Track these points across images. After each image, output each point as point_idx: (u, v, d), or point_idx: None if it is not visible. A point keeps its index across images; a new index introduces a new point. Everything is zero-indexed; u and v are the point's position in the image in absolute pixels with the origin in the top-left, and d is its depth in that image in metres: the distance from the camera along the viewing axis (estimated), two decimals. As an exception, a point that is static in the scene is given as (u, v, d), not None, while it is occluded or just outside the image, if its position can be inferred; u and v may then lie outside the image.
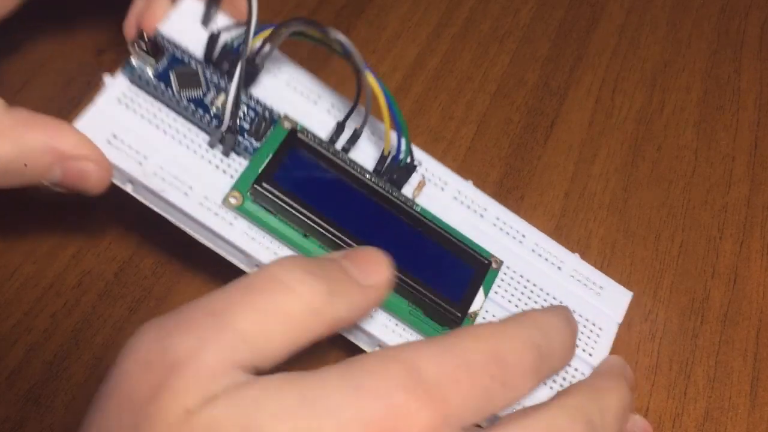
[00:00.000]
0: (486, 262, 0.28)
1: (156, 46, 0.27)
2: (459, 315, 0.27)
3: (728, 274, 0.34)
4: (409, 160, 0.29)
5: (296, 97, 0.30)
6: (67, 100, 0.42)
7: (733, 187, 0.37)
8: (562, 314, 0.23)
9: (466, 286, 0.28)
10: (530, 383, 0.20)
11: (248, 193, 0.27)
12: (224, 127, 0.26)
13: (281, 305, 0.18)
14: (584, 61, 0.43)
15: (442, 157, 0.38)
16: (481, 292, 0.28)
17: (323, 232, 0.27)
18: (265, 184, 0.27)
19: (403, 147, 0.28)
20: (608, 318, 0.29)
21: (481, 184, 0.37)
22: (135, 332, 0.17)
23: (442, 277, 0.28)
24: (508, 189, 0.37)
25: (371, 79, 0.27)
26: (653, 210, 0.36)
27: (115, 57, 0.44)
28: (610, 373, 0.26)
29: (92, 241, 0.35)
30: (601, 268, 0.34)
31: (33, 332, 0.32)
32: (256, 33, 0.27)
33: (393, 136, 0.28)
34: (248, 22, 0.27)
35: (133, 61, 0.27)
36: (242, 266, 0.27)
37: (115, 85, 0.27)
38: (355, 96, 0.28)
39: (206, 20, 0.29)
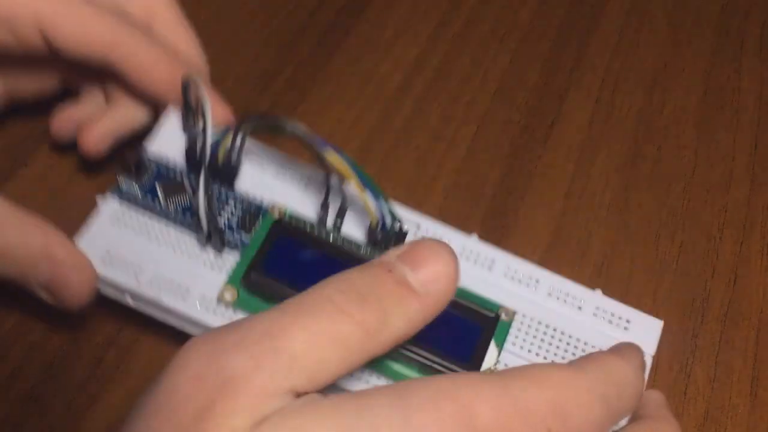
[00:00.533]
0: (492, 315, 0.28)
1: (142, 165, 0.29)
2: None
3: (728, 274, 0.34)
4: (397, 226, 0.29)
5: (285, 185, 0.30)
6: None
7: (733, 187, 0.37)
8: (636, 360, 0.21)
9: (474, 343, 0.27)
10: None
11: (241, 286, 0.27)
12: (205, 230, 0.28)
13: (336, 330, 0.17)
14: (584, 61, 0.43)
15: (442, 157, 0.38)
16: (493, 347, 0.28)
17: None
18: (255, 275, 0.27)
19: (386, 212, 0.28)
20: None
21: (481, 184, 0.37)
22: (188, 345, 0.17)
23: (447, 339, 0.27)
24: (508, 189, 0.37)
25: (333, 157, 0.27)
26: (653, 210, 0.36)
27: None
28: (659, 413, 0.24)
29: (92, 241, 0.35)
30: (601, 268, 0.34)
31: (33, 332, 0.32)
32: (223, 136, 0.29)
33: (373, 204, 0.28)
34: (204, 131, 0.28)
35: (122, 183, 0.29)
36: None
37: (107, 206, 0.29)
38: (325, 175, 0.29)
39: (186, 128, 0.31)
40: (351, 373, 0.18)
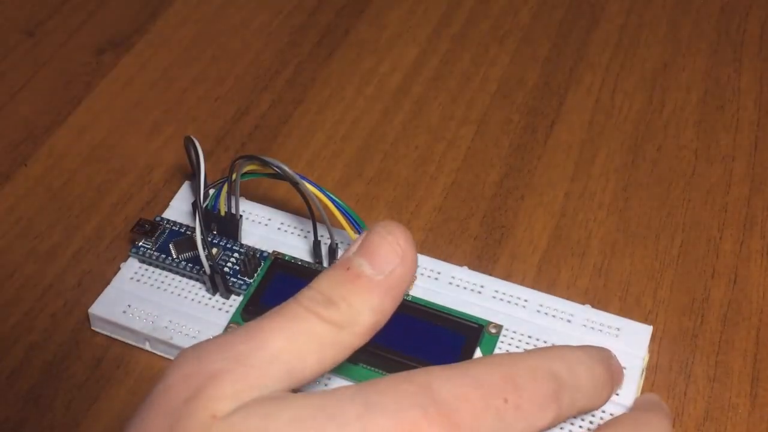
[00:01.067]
0: (476, 326, 0.30)
1: (156, 227, 0.33)
2: None
3: (728, 274, 0.34)
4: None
5: (287, 237, 0.34)
6: (68, 100, 0.42)
7: (733, 187, 0.37)
8: (595, 352, 0.23)
9: (458, 353, 0.29)
10: (549, 413, 0.19)
11: (241, 319, 0.30)
12: (208, 272, 0.30)
13: (309, 329, 0.19)
14: (584, 61, 0.43)
15: (442, 157, 0.38)
16: (478, 355, 0.29)
17: None
18: (253, 307, 0.30)
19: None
20: (631, 356, 0.29)
21: (481, 184, 0.37)
22: (177, 355, 0.19)
23: (434, 350, 0.29)
24: (508, 189, 0.37)
25: (310, 187, 0.29)
26: (653, 210, 0.36)
27: (115, 58, 0.44)
28: (650, 407, 0.26)
29: (93, 241, 0.35)
30: (601, 268, 0.34)
31: (33, 332, 0.32)
32: (220, 188, 0.32)
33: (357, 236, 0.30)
34: (197, 183, 0.32)
35: (140, 246, 0.33)
36: None
37: (127, 268, 0.33)
38: (308, 211, 0.31)
39: (194, 190, 0.35)
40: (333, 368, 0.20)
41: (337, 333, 0.19)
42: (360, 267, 0.20)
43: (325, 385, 0.29)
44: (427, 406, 0.18)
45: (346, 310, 0.19)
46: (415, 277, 0.32)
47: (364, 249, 0.20)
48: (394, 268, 0.20)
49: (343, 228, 0.30)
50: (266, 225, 0.34)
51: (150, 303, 0.31)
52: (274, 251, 0.32)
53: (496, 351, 0.30)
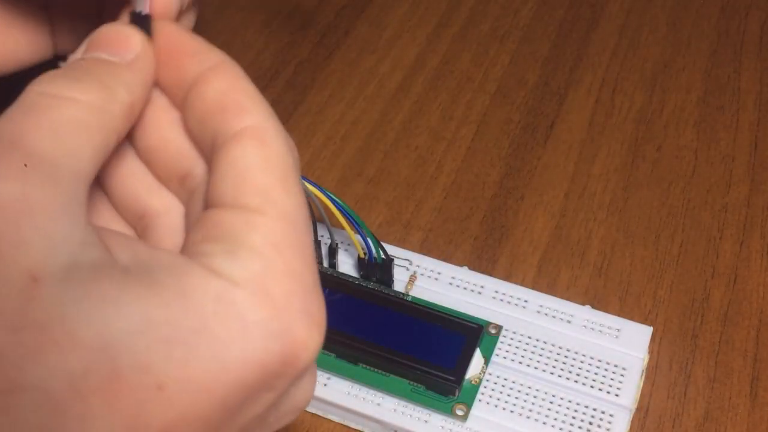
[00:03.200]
0: (475, 327, 0.30)
1: None
2: (453, 379, 0.28)
3: (728, 274, 0.34)
4: (382, 255, 0.31)
5: None
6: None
7: (733, 187, 0.37)
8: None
9: (458, 352, 0.29)
10: None
11: None
12: None
13: (67, 116, 0.17)
14: (584, 61, 0.43)
15: (442, 157, 0.38)
16: (478, 357, 0.29)
17: None
18: None
19: (371, 244, 0.30)
20: (631, 357, 0.29)
21: (481, 184, 0.37)
22: None
23: (434, 350, 0.29)
24: (508, 189, 0.37)
25: (310, 187, 0.29)
26: (653, 210, 0.36)
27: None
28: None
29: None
30: (601, 268, 0.34)
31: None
32: None
33: (359, 238, 0.30)
34: None
35: None
36: None
37: None
38: (309, 212, 0.30)
39: None
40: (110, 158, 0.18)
41: (99, 116, 0.18)
42: (99, 57, 0.19)
43: (325, 385, 0.29)
44: None
45: (103, 90, 0.18)
46: (416, 277, 0.32)
47: (96, 45, 0.19)
48: (139, 57, 0.19)
49: (343, 228, 0.30)
50: None
51: None
52: None
53: (496, 351, 0.30)
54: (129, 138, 0.20)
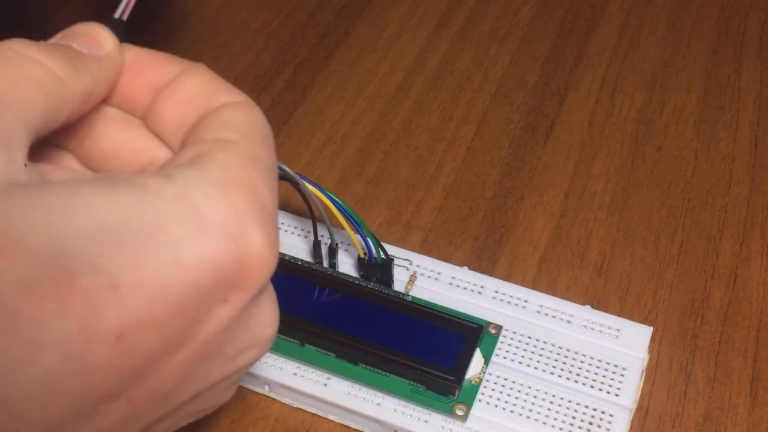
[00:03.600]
0: (476, 327, 0.30)
1: None
2: (453, 379, 0.28)
3: (728, 274, 0.34)
4: (382, 255, 0.31)
5: (287, 236, 0.34)
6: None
7: (733, 187, 0.37)
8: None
9: (458, 352, 0.29)
10: None
11: None
12: None
13: (27, 71, 0.18)
14: (584, 61, 0.43)
15: (442, 157, 0.38)
16: (478, 358, 0.29)
17: (314, 337, 0.29)
18: None
19: (371, 244, 0.30)
20: (631, 357, 0.29)
21: (481, 184, 0.37)
22: None
23: (434, 350, 0.29)
24: (508, 189, 0.37)
25: (311, 187, 0.29)
26: (653, 210, 0.36)
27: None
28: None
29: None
30: (601, 268, 0.34)
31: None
32: None
33: (359, 238, 0.30)
34: None
35: None
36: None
37: None
38: (308, 211, 0.31)
39: None
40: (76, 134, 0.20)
41: (60, 85, 0.18)
42: (72, 45, 0.20)
43: (325, 385, 0.29)
44: None
45: (69, 67, 0.19)
46: (416, 277, 0.32)
47: (71, 38, 0.20)
48: (103, 53, 0.20)
49: (343, 228, 0.30)
50: None
51: None
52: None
53: (496, 351, 0.30)
54: (82, 149, 0.21)
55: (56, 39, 0.20)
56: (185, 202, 0.17)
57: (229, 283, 0.17)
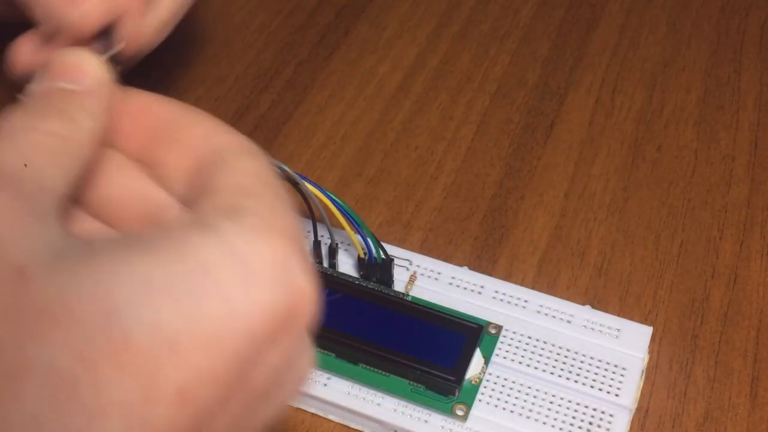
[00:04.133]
0: (475, 327, 0.30)
1: None
2: (453, 379, 0.28)
3: (728, 274, 0.34)
4: (382, 255, 0.31)
5: None
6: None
7: (733, 187, 0.37)
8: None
9: (458, 352, 0.29)
10: None
11: None
12: None
13: (31, 141, 0.18)
14: (584, 61, 0.43)
15: (442, 157, 0.38)
16: (478, 357, 0.29)
17: (314, 337, 0.29)
18: None
19: (371, 244, 0.30)
20: (631, 357, 0.29)
21: (481, 184, 0.37)
22: None
23: (434, 350, 0.29)
24: (508, 189, 0.37)
25: (311, 187, 0.29)
26: (653, 210, 0.36)
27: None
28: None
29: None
30: (601, 268, 0.34)
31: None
32: None
33: (359, 238, 0.30)
34: None
35: None
36: None
37: None
38: (308, 211, 0.30)
39: None
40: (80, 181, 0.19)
41: (64, 143, 0.19)
42: (60, 87, 0.20)
43: (325, 385, 0.29)
44: None
45: (65, 120, 0.19)
46: (416, 276, 0.32)
47: (53, 74, 0.20)
48: (93, 78, 0.20)
49: (343, 228, 0.30)
50: None
51: None
52: None
53: (496, 351, 0.30)
54: (91, 197, 0.21)
55: (40, 82, 0.20)
56: (231, 252, 0.17)
57: (280, 328, 0.17)
